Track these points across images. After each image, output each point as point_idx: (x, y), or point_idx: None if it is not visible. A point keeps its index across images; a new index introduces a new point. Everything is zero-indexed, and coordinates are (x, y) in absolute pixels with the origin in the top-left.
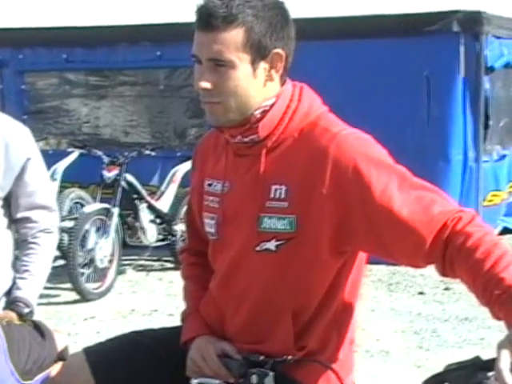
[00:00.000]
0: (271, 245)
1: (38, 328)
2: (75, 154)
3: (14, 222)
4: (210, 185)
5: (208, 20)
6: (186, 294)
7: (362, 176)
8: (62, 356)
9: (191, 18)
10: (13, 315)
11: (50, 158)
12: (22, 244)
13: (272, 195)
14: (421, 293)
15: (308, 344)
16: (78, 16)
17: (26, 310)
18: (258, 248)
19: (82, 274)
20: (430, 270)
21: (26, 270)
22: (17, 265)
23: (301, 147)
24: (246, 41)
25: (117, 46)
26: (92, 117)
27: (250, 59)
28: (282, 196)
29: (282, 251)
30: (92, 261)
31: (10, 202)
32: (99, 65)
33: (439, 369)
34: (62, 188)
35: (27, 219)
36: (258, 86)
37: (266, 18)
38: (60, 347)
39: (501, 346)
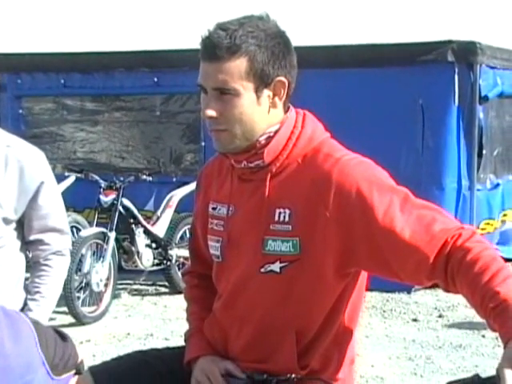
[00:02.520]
0: (275, 267)
1: (59, 333)
2: (72, 178)
3: (27, 244)
4: (214, 208)
5: (213, 51)
6: (188, 315)
7: (365, 199)
8: (78, 368)
9: (188, 45)
10: None
11: None
12: (34, 266)
13: (276, 218)
14: (415, 320)
15: (311, 363)
16: (75, 42)
17: None
18: (262, 270)
19: (78, 297)
20: (424, 297)
21: (38, 292)
22: (29, 286)
23: (304, 172)
24: (250, 69)
25: (114, 72)
26: (89, 142)
27: (254, 87)
28: (286, 219)
29: (286, 273)
30: (88, 284)
31: (23, 224)
32: (96, 90)
33: None
34: None
35: (40, 241)
36: (262, 113)
37: (268, 47)
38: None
39: (501, 366)
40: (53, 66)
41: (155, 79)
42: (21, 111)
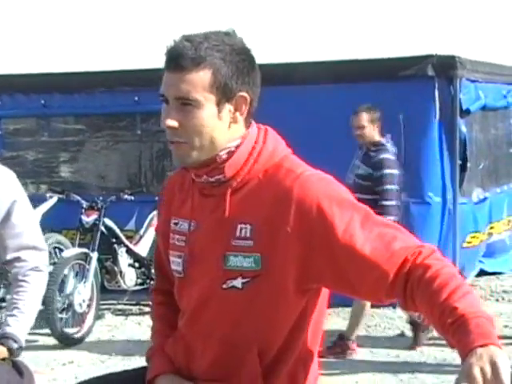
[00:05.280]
0: (237, 282)
1: (18, 367)
2: (54, 199)
3: (4, 264)
4: (176, 224)
5: (177, 61)
6: (153, 333)
7: (325, 215)
8: None
9: None
10: (3, 349)
11: None
12: (12, 282)
13: (238, 234)
14: (400, 335)
15: (276, 382)
16: (55, 62)
17: (15, 346)
18: (224, 286)
19: (61, 318)
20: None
21: (16, 308)
22: (7, 302)
23: (265, 188)
24: (213, 82)
25: (94, 92)
26: (70, 162)
27: (216, 100)
28: (248, 235)
29: (247, 289)
30: (70, 305)
31: None
32: (77, 110)
33: None
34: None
35: (17, 259)
36: (222, 127)
37: (233, 61)
38: None
39: (459, 381)
40: (33, 86)
41: (136, 98)
42: (0, 132)
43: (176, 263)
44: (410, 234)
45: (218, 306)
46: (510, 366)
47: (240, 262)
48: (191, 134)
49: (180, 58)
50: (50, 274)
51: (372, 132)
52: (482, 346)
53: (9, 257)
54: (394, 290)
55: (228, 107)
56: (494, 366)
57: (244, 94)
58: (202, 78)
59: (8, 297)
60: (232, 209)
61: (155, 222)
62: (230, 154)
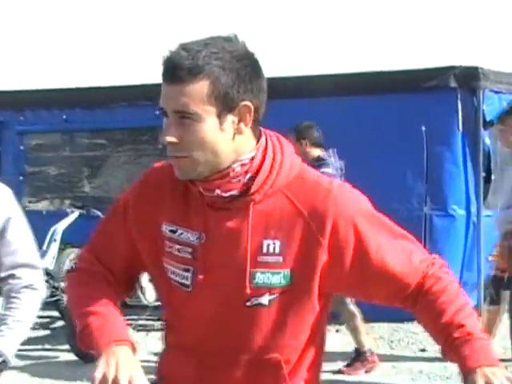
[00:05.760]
0: (264, 299)
1: None
2: (75, 214)
3: None
4: (173, 231)
5: (174, 72)
6: (74, 300)
7: (360, 233)
8: None
9: None
10: None
11: (50, 219)
12: (5, 299)
13: (265, 250)
14: (422, 350)
15: None
16: (77, 77)
17: None
18: (248, 303)
19: None
20: None
21: (4, 323)
22: None
23: (292, 202)
24: (212, 93)
25: (116, 106)
26: (92, 177)
27: (217, 112)
28: (276, 251)
29: (274, 304)
30: None
31: None
32: (99, 125)
33: None
34: (62, 248)
35: (11, 276)
36: (225, 140)
37: (233, 69)
38: None
39: None
40: (55, 101)
41: (157, 112)
42: (22, 147)
43: (179, 275)
44: (418, 243)
45: (242, 323)
46: None
47: (268, 278)
48: (193, 148)
49: (176, 69)
50: None
51: (305, 150)
52: (490, 365)
53: (3, 274)
54: (408, 299)
55: (231, 118)
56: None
57: (247, 103)
58: (200, 89)
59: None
60: (255, 223)
61: None
62: (243, 166)
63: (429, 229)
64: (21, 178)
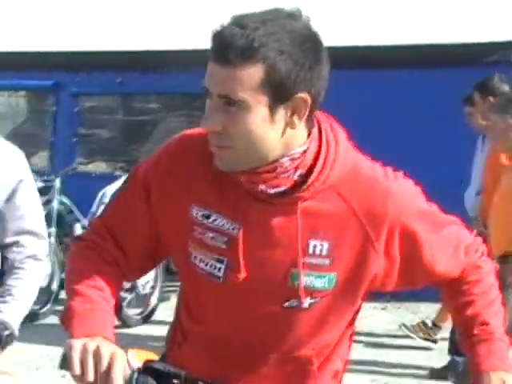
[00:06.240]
0: (305, 302)
1: None
2: (123, 178)
3: (3, 248)
4: (207, 217)
5: (224, 52)
6: (88, 277)
7: (414, 235)
8: None
9: None
10: None
11: (100, 181)
12: (8, 270)
13: (311, 251)
14: None
15: (322, 380)
16: (132, 40)
17: (6, 333)
18: (286, 304)
19: (124, 299)
20: None
21: (9, 294)
22: (1, 289)
23: (346, 200)
24: (266, 80)
25: (170, 71)
26: (144, 141)
27: (269, 102)
28: (324, 252)
29: (315, 307)
30: (134, 287)
31: None
32: (153, 88)
33: None
34: None
35: (15, 243)
36: (275, 133)
37: (292, 54)
38: None
39: None
40: (110, 64)
41: None
42: (77, 109)
43: (210, 265)
44: (466, 229)
45: (277, 322)
46: None
47: (311, 281)
48: (237, 139)
49: (227, 49)
50: None
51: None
52: (503, 371)
53: (8, 240)
54: (444, 285)
55: (283, 110)
56: None
57: (303, 94)
58: (252, 74)
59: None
60: (303, 221)
61: None
62: (294, 161)
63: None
64: (74, 139)
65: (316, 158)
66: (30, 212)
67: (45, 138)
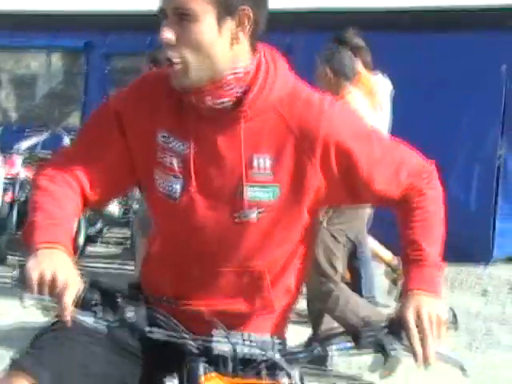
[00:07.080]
0: (252, 214)
1: None
2: None
3: None
4: (166, 139)
5: None
6: (51, 196)
7: (350, 153)
8: None
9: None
10: None
11: None
12: None
13: (255, 165)
14: (484, 293)
15: (274, 293)
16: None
17: None
18: (237, 218)
19: None
20: (499, 271)
21: None
22: None
23: (284, 119)
24: None
25: None
26: None
27: (216, 13)
28: (266, 166)
29: (262, 220)
30: None
31: None
32: None
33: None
34: None
35: None
36: (223, 45)
37: None
38: None
39: (407, 312)
40: (140, 25)
41: None
42: (107, 70)
43: (167, 187)
44: (412, 151)
45: (228, 236)
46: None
47: (257, 193)
48: (188, 49)
49: None
50: None
51: None
52: (425, 291)
53: None
54: (392, 205)
55: (229, 23)
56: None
57: (246, 8)
58: None
59: None
60: (246, 138)
61: None
62: (238, 78)
63: (503, 172)
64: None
65: (257, 79)
66: None
67: (77, 98)
